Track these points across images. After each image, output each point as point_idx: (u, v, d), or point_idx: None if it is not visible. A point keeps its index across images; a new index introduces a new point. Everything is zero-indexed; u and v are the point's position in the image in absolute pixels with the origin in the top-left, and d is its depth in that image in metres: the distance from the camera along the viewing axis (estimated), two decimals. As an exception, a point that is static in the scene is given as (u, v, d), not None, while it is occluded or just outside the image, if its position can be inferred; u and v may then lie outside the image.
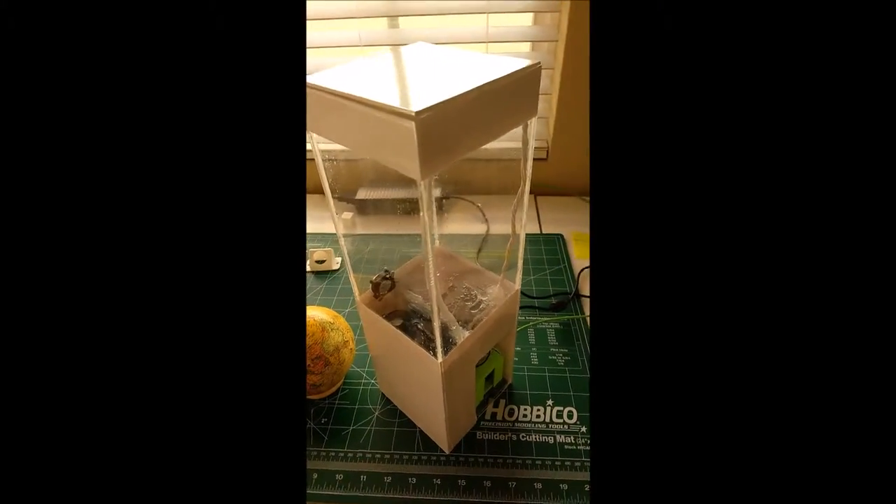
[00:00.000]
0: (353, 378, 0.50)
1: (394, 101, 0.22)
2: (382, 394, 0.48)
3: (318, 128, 0.27)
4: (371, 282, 0.40)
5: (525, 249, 0.68)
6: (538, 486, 0.40)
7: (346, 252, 0.37)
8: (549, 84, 0.73)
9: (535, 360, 0.51)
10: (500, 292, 0.39)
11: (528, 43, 0.72)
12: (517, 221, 0.34)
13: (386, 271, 0.40)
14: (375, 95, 0.23)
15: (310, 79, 0.26)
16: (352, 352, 0.47)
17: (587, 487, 0.40)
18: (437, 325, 0.31)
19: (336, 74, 0.26)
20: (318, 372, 0.43)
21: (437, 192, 0.76)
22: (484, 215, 0.74)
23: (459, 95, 0.22)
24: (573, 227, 0.71)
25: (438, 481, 0.41)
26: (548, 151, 0.78)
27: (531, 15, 0.72)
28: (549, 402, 0.47)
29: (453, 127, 0.23)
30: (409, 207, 0.76)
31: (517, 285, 0.39)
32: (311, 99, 0.26)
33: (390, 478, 0.41)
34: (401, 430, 0.45)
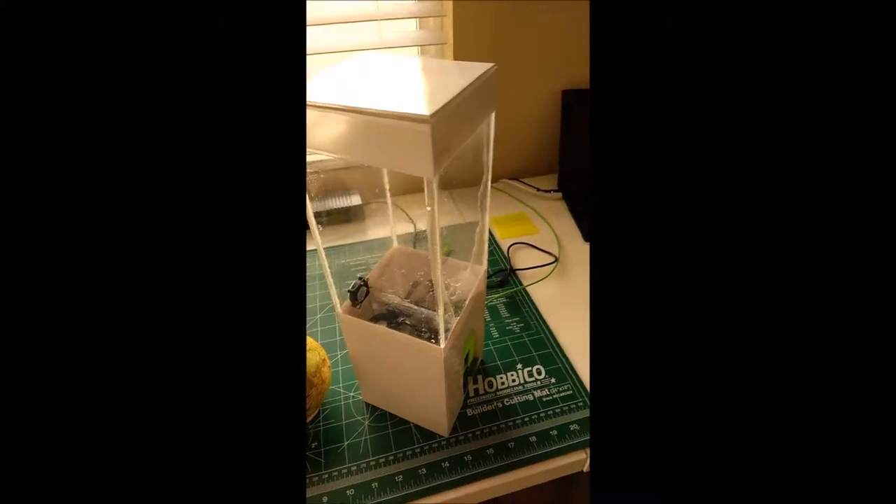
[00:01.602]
0: (330, 396, 0.49)
1: (399, 107, 0.24)
2: (366, 403, 0.48)
3: (312, 142, 0.27)
4: (349, 291, 0.40)
5: (457, 238, 0.72)
6: (533, 439, 0.45)
7: (326, 265, 0.36)
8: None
9: (495, 334, 0.56)
10: (470, 275, 0.43)
11: (418, 47, 0.76)
12: (483, 208, 0.38)
13: (360, 279, 0.41)
14: (377, 105, 0.24)
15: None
16: (330, 369, 0.46)
17: (572, 427, 0.46)
18: (441, 312, 0.33)
19: (311, 89, 0.27)
20: (306, 396, 0.41)
21: (357, 201, 0.76)
22: (407, 214, 0.77)
23: (455, 97, 0.25)
24: (492, 212, 0.77)
25: (447, 464, 0.43)
26: (451, 147, 0.83)
27: (415, 21, 0.76)
28: (519, 365, 0.52)
29: (451, 126, 0.26)
30: (330, 220, 0.75)
31: (484, 266, 0.43)
32: (309, 114, 0.26)
33: (401, 476, 0.42)
34: (396, 431, 0.46)
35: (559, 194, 0.80)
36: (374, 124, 0.24)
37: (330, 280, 0.37)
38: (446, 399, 0.40)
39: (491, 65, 0.30)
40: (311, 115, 0.26)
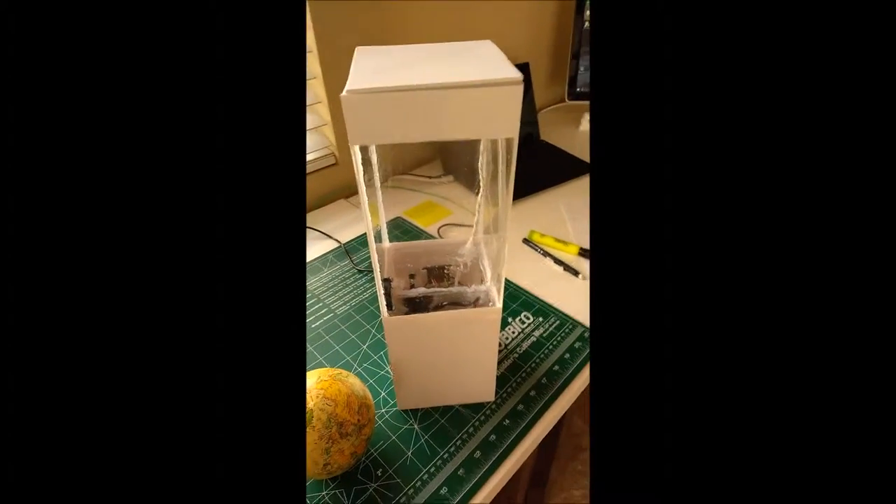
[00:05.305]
0: (364, 423, 0.46)
1: (484, 76, 0.26)
2: (402, 412, 0.47)
3: (385, 131, 0.27)
4: (385, 296, 0.38)
5: (387, 236, 0.72)
6: (556, 368, 0.51)
7: (379, 276, 0.35)
8: (318, 94, 0.76)
9: (475, 304, 0.60)
10: (470, 246, 0.46)
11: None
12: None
13: (386, 280, 0.40)
14: (457, 78, 0.26)
15: (365, 84, 0.25)
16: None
17: (576, 346, 0.53)
18: (503, 272, 0.36)
19: (371, 78, 0.26)
20: (368, 420, 0.38)
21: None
22: (321, 231, 0.73)
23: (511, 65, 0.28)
24: (402, 207, 0.79)
25: (507, 421, 0.46)
26: (335, 157, 0.81)
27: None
28: (510, 319, 0.57)
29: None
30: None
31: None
32: (379, 103, 0.26)
33: (478, 452, 0.43)
34: (448, 419, 0.46)
35: (450, 177, 0.87)
36: (462, 96, 0.26)
37: (381, 288, 0.36)
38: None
39: (489, 40, 0.34)
40: (374, 103, 0.26)
